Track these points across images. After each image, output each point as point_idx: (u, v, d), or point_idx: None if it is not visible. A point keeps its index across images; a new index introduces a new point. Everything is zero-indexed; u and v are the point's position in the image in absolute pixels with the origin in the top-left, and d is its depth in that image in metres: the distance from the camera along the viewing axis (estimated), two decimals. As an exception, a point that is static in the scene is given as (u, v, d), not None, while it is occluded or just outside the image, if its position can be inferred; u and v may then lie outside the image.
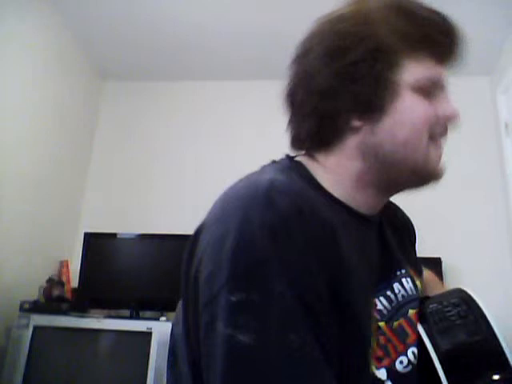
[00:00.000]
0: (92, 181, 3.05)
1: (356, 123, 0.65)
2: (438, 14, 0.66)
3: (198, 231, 0.61)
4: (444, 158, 0.68)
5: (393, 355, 0.64)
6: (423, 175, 0.67)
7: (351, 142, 0.66)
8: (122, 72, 3.17)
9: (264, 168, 0.68)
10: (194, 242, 0.61)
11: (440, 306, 0.71)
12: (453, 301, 0.72)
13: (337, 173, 0.67)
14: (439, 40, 0.66)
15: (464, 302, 0.71)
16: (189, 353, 0.59)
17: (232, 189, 0.61)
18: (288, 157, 0.72)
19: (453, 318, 0.69)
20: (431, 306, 0.72)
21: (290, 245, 0.53)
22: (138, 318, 2.39)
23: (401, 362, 0.65)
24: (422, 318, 0.70)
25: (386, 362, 0.63)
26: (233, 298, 0.51)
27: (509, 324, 2.38)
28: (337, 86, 0.64)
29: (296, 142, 0.72)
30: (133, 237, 2.65)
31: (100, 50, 2.97)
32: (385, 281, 0.68)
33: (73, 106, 2.90)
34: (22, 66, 2.43)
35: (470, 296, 0.73)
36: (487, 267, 2.56)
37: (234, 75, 3.09)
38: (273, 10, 2.55)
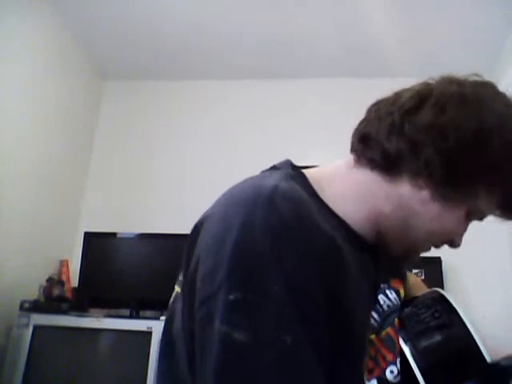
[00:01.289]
0: (92, 181, 3.05)
1: (423, 184, 0.64)
2: None
3: (197, 227, 0.62)
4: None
5: (382, 364, 0.65)
6: (404, 257, 0.70)
7: (401, 189, 0.65)
8: (122, 72, 3.17)
9: (265, 173, 0.67)
10: (193, 238, 0.61)
11: (415, 309, 0.73)
12: (427, 303, 0.73)
13: (360, 197, 0.66)
14: None
15: (437, 303, 0.72)
16: (188, 349, 0.59)
17: (235, 190, 0.61)
18: (289, 164, 0.70)
19: (427, 319, 0.70)
20: (406, 309, 0.73)
21: (290, 250, 0.53)
22: (137, 317, 2.39)
23: (391, 372, 0.66)
24: (400, 323, 0.71)
25: (376, 372, 0.64)
26: (230, 297, 0.51)
27: (509, 324, 2.38)
28: (455, 147, 0.62)
29: (363, 140, 0.68)
30: (133, 236, 2.65)
31: (100, 49, 2.97)
32: (374, 296, 0.70)
33: (73, 106, 2.90)
34: (21, 66, 2.43)
35: (443, 296, 0.74)
36: (487, 267, 2.56)
37: (234, 75, 3.09)
38: (273, 10, 2.56)
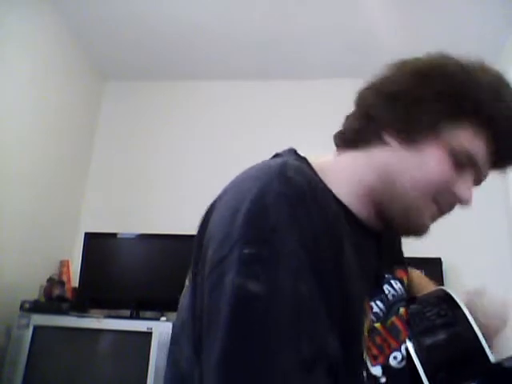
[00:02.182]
0: (92, 181, 3.05)
1: (388, 138, 0.66)
2: None
3: (209, 211, 0.62)
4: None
5: (386, 351, 0.65)
6: (410, 223, 0.68)
7: (376, 153, 0.68)
8: (123, 72, 3.17)
9: (272, 158, 0.70)
10: (204, 221, 0.62)
11: (420, 307, 0.73)
12: (432, 301, 0.73)
13: (349, 177, 0.69)
14: (507, 139, 0.66)
15: (443, 302, 0.72)
16: (193, 337, 0.59)
17: (244, 173, 0.62)
18: (293, 152, 0.73)
19: (433, 317, 0.70)
20: (412, 307, 0.73)
21: (303, 214, 0.54)
22: (138, 317, 2.39)
23: (395, 358, 0.66)
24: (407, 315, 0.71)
25: (380, 359, 0.64)
26: (245, 251, 0.52)
27: (509, 324, 2.38)
28: (398, 98, 0.66)
29: (338, 135, 0.74)
30: (133, 237, 2.65)
31: (100, 50, 2.97)
32: (378, 284, 0.70)
33: (73, 106, 2.90)
34: (21, 66, 2.43)
35: (449, 295, 0.74)
36: (487, 267, 2.56)
37: (234, 75, 3.09)
38: (273, 10, 2.56)
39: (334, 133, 0.75)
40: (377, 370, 0.64)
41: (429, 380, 0.65)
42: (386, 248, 0.75)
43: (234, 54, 2.92)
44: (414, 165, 0.65)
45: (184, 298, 0.64)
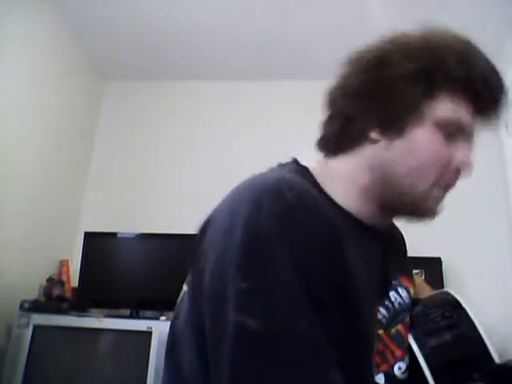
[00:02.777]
0: (92, 181, 3.05)
1: (374, 135, 0.66)
2: (494, 70, 0.66)
3: (205, 224, 0.62)
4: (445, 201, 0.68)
5: (391, 361, 0.65)
6: (419, 209, 0.67)
7: (366, 153, 0.67)
8: (123, 72, 3.17)
9: (271, 169, 0.70)
10: (201, 234, 0.62)
11: (425, 309, 0.73)
12: (437, 303, 0.73)
13: (345, 183, 0.68)
14: (482, 92, 0.65)
15: (448, 304, 0.72)
16: (197, 345, 0.59)
17: (241, 185, 0.62)
18: (295, 161, 0.73)
19: (437, 319, 0.70)
20: (416, 309, 0.73)
21: (297, 234, 0.54)
22: (138, 317, 2.39)
23: (399, 368, 0.66)
24: (410, 322, 0.71)
25: (383, 367, 0.64)
26: (242, 285, 0.51)
27: (509, 324, 2.38)
28: (369, 93, 0.65)
29: (321, 142, 0.74)
30: (133, 236, 2.65)
31: (100, 50, 2.97)
32: (383, 291, 0.69)
33: (73, 106, 2.90)
34: (21, 66, 2.43)
35: (453, 297, 0.74)
36: (487, 267, 2.56)
37: (234, 75, 3.09)
38: (273, 10, 2.56)
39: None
40: (379, 378, 0.64)
41: (434, 380, 0.66)
42: (392, 253, 0.75)
43: (234, 54, 2.92)
44: (406, 153, 0.65)
45: (182, 302, 0.64)
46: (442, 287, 2.32)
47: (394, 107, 0.64)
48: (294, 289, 0.52)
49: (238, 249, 0.53)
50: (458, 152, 0.66)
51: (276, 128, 2.97)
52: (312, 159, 0.73)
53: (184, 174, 2.98)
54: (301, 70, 3.01)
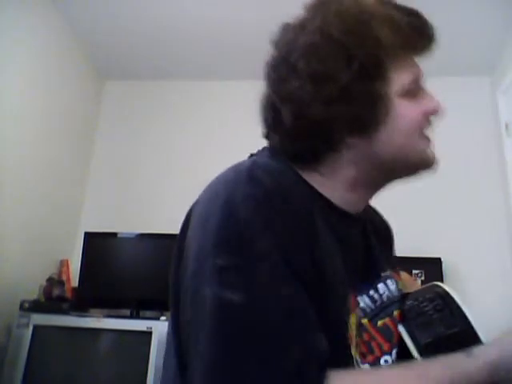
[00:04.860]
0: (92, 180, 3.05)
1: (351, 140, 0.65)
2: (414, 14, 0.68)
3: (187, 217, 0.64)
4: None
5: (377, 353, 0.65)
6: (419, 166, 0.69)
7: (347, 155, 0.66)
8: (123, 71, 3.17)
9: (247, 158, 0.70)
10: (184, 227, 0.63)
11: (416, 302, 0.73)
12: (428, 296, 0.73)
13: (328, 177, 0.67)
14: (419, 43, 0.68)
15: (439, 297, 0.72)
16: (177, 344, 0.60)
17: (218, 176, 0.64)
18: (267, 149, 0.75)
19: (430, 312, 0.70)
20: (408, 302, 0.73)
21: (273, 213, 0.55)
22: (138, 317, 2.39)
23: (386, 361, 0.66)
24: (401, 315, 0.71)
25: (369, 358, 0.64)
26: (220, 261, 0.52)
27: (510, 324, 2.38)
28: (332, 112, 0.63)
29: (297, 158, 0.69)
30: (133, 236, 2.65)
31: (100, 49, 2.97)
32: (368, 280, 0.69)
33: (73, 106, 2.90)
34: (22, 67, 2.43)
35: (444, 290, 0.74)
36: (487, 267, 2.56)
37: (234, 75, 3.08)
38: (272, 10, 2.55)
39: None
40: (366, 368, 0.64)
41: None
42: (380, 245, 0.75)
43: (233, 55, 2.92)
44: (389, 138, 0.65)
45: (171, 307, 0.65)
46: (442, 287, 2.31)
47: (361, 111, 0.63)
48: (271, 261, 0.52)
49: (213, 228, 0.54)
50: (426, 103, 0.68)
51: (276, 128, 2.96)
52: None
53: (184, 174, 2.97)
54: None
